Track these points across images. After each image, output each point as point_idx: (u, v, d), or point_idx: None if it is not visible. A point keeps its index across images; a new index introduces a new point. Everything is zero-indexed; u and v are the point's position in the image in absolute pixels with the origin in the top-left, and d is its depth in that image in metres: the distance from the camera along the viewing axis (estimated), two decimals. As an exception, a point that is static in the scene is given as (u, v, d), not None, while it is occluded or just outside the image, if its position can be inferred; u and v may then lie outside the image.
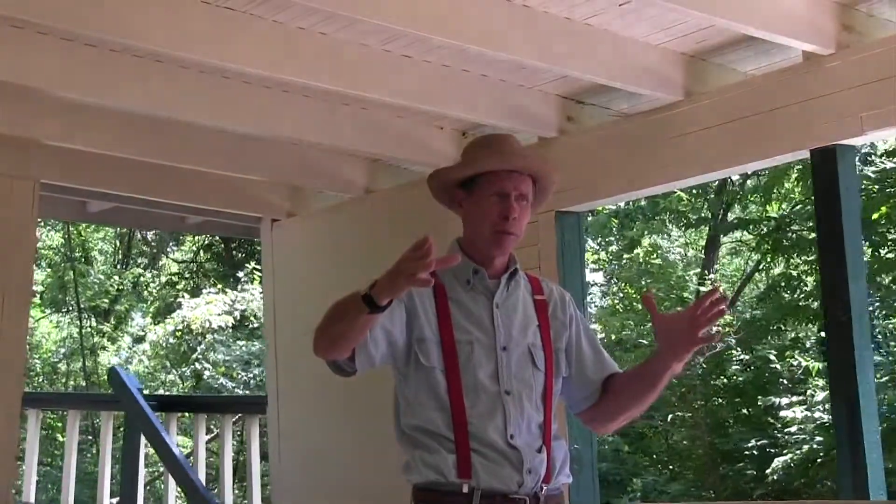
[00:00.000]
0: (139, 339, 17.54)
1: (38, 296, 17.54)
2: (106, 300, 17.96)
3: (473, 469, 2.49)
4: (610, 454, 10.91)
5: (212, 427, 7.43)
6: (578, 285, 4.60)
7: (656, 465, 11.59)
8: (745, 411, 11.01)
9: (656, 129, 4.39)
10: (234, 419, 7.27)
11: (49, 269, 17.85)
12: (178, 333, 14.27)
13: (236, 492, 8.91)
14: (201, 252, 16.79)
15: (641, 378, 2.66)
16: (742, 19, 3.73)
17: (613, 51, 4.05)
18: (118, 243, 18.23)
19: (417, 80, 4.26)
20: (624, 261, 13.76)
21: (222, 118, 4.57)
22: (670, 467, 11.43)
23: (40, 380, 17.53)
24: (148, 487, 6.89)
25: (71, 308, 17.68)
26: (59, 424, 12.77)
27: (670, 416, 11.19)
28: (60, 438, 13.65)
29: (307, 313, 5.73)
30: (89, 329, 17.43)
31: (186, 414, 7.49)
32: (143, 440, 6.36)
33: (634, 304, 12.43)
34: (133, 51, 4.01)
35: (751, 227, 12.37)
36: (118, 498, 6.66)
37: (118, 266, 18.52)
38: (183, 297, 15.49)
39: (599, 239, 14.17)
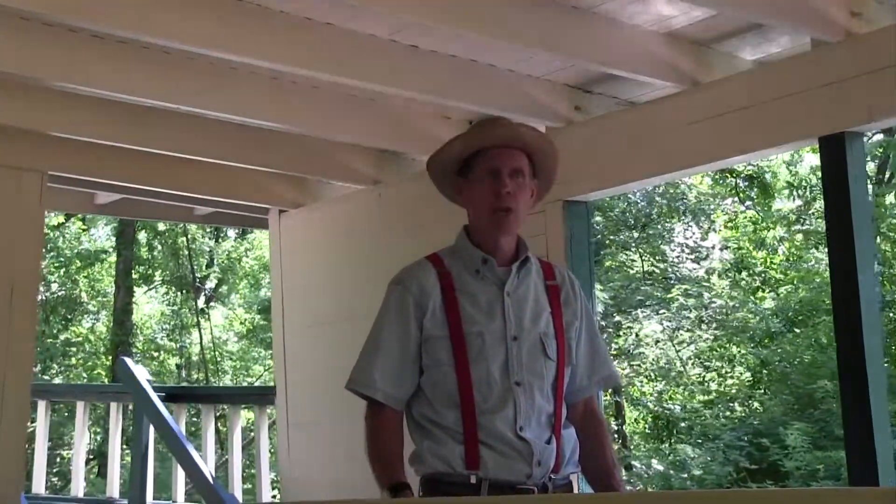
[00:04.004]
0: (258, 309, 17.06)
1: (136, 273, 17.01)
2: (216, 272, 17.56)
3: (482, 460, 2.48)
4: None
5: (221, 418, 7.43)
6: (587, 275, 4.60)
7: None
8: None
9: (664, 117, 4.38)
10: (242, 410, 7.28)
11: (135, 245, 17.04)
12: None
13: (245, 483, 8.92)
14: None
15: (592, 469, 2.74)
16: (750, 7, 3.71)
17: (620, 39, 4.03)
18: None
19: (425, 71, 4.25)
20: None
21: (230, 109, 4.57)
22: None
23: (138, 357, 16.94)
24: (157, 478, 6.88)
25: (184, 282, 17.16)
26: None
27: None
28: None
29: (315, 303, 5.83)
30: (194, 306, 17.02)
31: (195, 405, 7.51)
32: (151, 431, 6.37)
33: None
34: (140, 42, 4.01)
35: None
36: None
37: (210, 239, 18.01)
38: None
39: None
